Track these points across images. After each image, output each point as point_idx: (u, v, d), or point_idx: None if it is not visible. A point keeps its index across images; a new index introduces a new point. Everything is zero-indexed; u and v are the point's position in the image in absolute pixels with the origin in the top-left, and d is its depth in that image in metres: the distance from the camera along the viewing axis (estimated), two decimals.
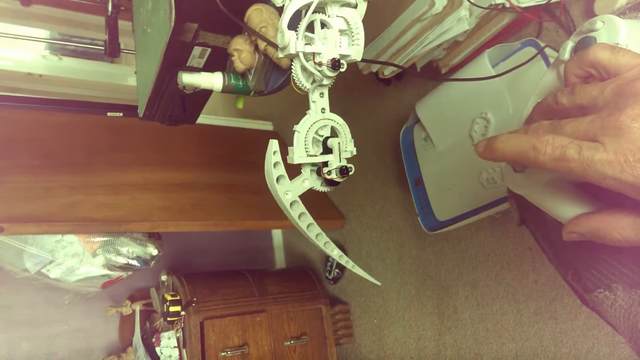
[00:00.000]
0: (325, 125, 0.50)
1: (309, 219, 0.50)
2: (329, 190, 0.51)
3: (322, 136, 0.50)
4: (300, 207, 0.49)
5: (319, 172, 0.50)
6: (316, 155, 0.49)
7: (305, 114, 0.50)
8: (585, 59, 0.32)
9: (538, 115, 0.35)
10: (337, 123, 0.51)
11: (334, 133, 0.51)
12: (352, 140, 0.51)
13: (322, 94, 0.51)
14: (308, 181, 0.50)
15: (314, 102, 0.50)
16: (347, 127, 0.51)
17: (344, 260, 0.55)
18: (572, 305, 1.06)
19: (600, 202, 0.32)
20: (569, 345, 1.07)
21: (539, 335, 1.13)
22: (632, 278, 0.32)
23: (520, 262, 1.17)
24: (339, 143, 0.49)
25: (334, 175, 0.49)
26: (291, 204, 0.49)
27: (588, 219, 0.31)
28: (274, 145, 0.47)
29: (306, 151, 0.48)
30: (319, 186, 0.50)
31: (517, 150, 0.31)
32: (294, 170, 0.50)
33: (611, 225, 0.30)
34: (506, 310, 1.21)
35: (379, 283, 0.61)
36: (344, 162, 0.49)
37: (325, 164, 0.49)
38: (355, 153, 0.51)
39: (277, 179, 0.47)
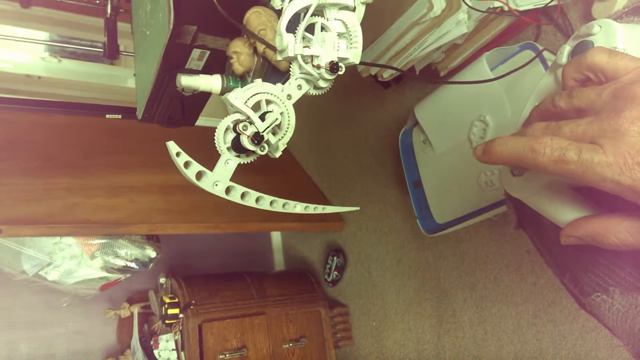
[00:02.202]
0: (278, 107, 0.48)
1: (253, 194, 0.48)
2: (247, 161, 0.48)
3: (266, 111, 0.48)
4: (239, 189, 0.47)
5: (235, 147, 0.46)
6: (249, 108, 0.46)
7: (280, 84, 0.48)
8: (584, 62, 0.32)
9: (536, 118, 0.35)
10: (289, 118, 0.48)
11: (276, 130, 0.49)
12: (285, 146, 0.48)
13: (300, 87, 0.49)
14: (231, 161, 0.47)
15: (289, 84, 0.49)
16: (292, 130, 0.49)
17: (312, 209, 0.52)
18: (571, 308, 1.06)
19: (598, 206, 0.32)
20: (568, 347, 1.07)
21: (538, 338, 1.13)
22: (630, 282, 0.32)
23: (519, 264, 1.17)
24: (276, 119, 0.47)
25: (245, 141, 0.45)
26: (227, 192, 0.47)
27: (586, 223, 0.31)
28: (173, 147, 0.44)
29: (245, 102, 0.46)
30: (243, 159, 0.48)
31: (515, 153, 0.30)
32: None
33: (609, 229, 0.30)
34: (505, 312, 1.21)
35: (357, 208, 0.59)
36: (265, 134, 0.46)
37: (247, 124, 0.46)
38: (276, 154, 0.48)
39: (197, 177, 0.45)
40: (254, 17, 0.61)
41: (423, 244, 1.46)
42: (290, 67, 0.50)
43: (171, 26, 0.59)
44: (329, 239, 1.91)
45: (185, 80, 0.67)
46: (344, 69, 0.48)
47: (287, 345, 1.64)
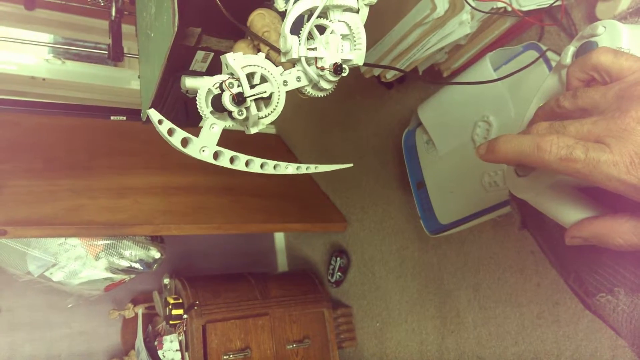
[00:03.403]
0: (271, 87, 0.47)
1: (243, 157, 0.48)
2: (231, 124, 0.47)
3: (258, 84, 0.47)
4: (227, 153, 0.46)
5: (214, 104, 0.46)
6: (242, 72, 0.45)
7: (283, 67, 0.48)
8: (588, 62, 0.32)
9: (540, 118, 0.35)
10: (278, 102, 0.48)
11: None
12: (264, 126, 0.47)
13: (299, 79, 0.49)
14: (216, 125, 0.46)
15: (289, 72, 0.49)
16: (277, 114, 0.48)
17: (304, 169, 0.51)
18: (575, 309, 1.06)
19: (602, 207, 0.32)
20: (572, 349, 1.06)
21: (542, 339, 1.13)
22: (635, 282, 0.32)
23: (522, 265, 1.17)
24: (265, 91, 0.46)
25: (227, 98, 0.44)
26: (215, 157, 0.46)
27: (591, 224, 0.31)
28: (154, 115, 0.43)
29: (242, 67, 0.45)
30: (229, 123, 0.47)
31: (520, 150, 0.30)
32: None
33: (614, 229, 0.30)
34: (509, 313, 1.21)
35: (350, 165, 0.57)
36: (249, 100, 0.45)
37: (234, 83, 0.46)
38: (251, 130, 0.47)
39: (183, 144, 0.45)
40: (258, 19, 0.61)
41: (426, 244, 1.45)
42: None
43: (176, 28, 0.59)
44: (332, 239, 1.91)
45: (189, 82, 0.67)
46: (347, 71, 0.48)
47: (291, 346, 1.64)
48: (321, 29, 0.48)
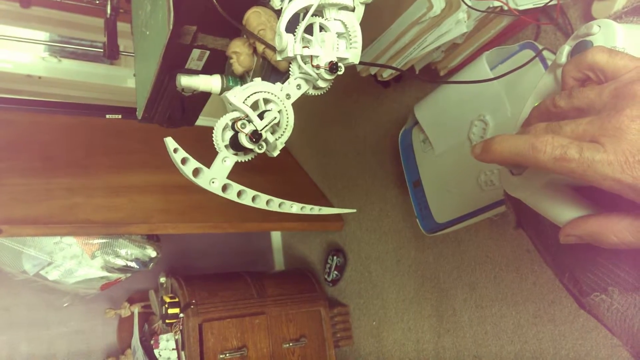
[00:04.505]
0: (276, 105, 0.48)
1: (250, 193, 0.49)
2: (244, 159, 0.48)
3: (265, 110, 0.48)
4: (235, 187, 0.47)
5: (233, 145, 0.46)
6: (247, 106, 0.46)
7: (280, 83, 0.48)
8: (584, 61, 0.32)
9: (536, 118, 0.35)
10: (288, 117, 0.48)
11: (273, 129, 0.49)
12: (283, 145, 0.48)
13: (299, 86, 0.49)
14: (229, 159, 0.47)
15: (288, 83, 0.49)
16: (290, 129, 0.49)
17: (308, 209, 0.53)
18: (571, 307, 1.06)
19: (597, 206, 0.32)
20: (568, 347, 1.07)
21: (538, 338, 1.13)
22: (629, 281, 0.32)
23: (519, 264, 1.17)
24: (274, 118, 0.47)
25: (243, 139, 0.45)
26: (223, 189, 0.47)
27: (585, 222, 0.31)
28: (171, 143, 0.44)
29: (244, 101, 0.46)
30: (240, 158, 0.48)
31: (515, 150, 0.30)
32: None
33: (608, 228, 0.30)
34: (505, 312, 1.21)
35: (354, 210, 0.61)
36: (264, 133, 0.46)
37: (246, 122, 0.46)
38: (274, 153, 0.48)
39: (194, 174, 0.45)
40: (254, 17, 0.61)
41: (423, 243, 1.46)
42: (289, 67, 0.50)
43: (171, 26, 0.59)
44: (328, 238, 1.91)
45: (185, 81, 0.67)
46: (343, 69, 0.48)
47: (287, 345, 1.64)
48: (318, 28, 0.48)
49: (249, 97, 0.46)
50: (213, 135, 0.46)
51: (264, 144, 0.47)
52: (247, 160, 0.48)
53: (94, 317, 1.76)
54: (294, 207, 0.52)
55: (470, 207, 1.03)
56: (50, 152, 1.55)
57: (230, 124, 0.46)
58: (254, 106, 0.47)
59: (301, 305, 1.72)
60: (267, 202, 0.50)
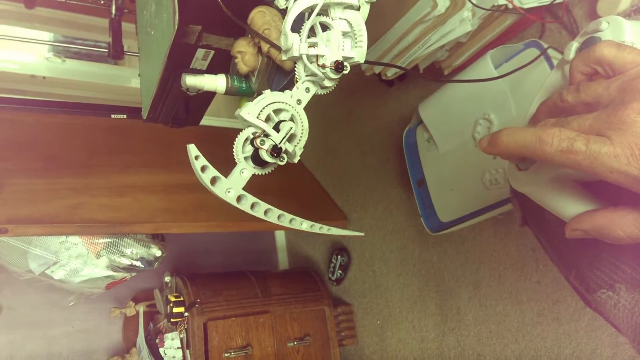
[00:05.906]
0: (289, 114, 0.48)
1: (263, 206, 0.49)
2: (262, 172, 0.49)
3: (279, 120, 0.48)
4: (249, 199, 0.48)
5: (255, 160, 0.47)
6: (262, 121, 0.46)
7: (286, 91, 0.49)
8: (592, 55, 0.32)
9: (543, 113, 0.35)
10: (302, 123, 0.49)
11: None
12: (302, 150, 0.49)
13: (307, 90, 0.50)
14: (246, 170, 0.47)
15: (297, 88, 0.49)
16: (307, 133, 0.49)
17: (317, 228, 0.54)
18: (576, 306, 1.06)
19: (603, 201, 0.32)
20: (572, 346, 1.07)
21: (542, 337, 1.13)
22: (636, 278, 0.32)
23: (523, 263, 1.17)
24: (290, 128, 0.47)
25: (265, 155, 0.46)
26: (238, 200, 0.47)
27: (591, 216, 0.31)
28: (193, 150, 0.44)
29: (257, 115, 0.46)
30: (258, 171, 0.48)
31: (522, 143, 0.30)
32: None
33: (615, 222, 0.29)
34: (509, 311, 1.21)
35: (362, 234, 0.61)
36: (282, 145, 0.46)
37: (264, 138, 0.47)
38: (294, 160, 0.48)
39: (212, 182, 0.46)
40: (259, 17, 0.61)
41: (427, 242, 1.46)
42: (295, 66, 0.50)
43: (176, 26, 0.59)
44: (332, 237, 1.91)
45: (190, 80, 0.67)
46: (349, 68, 0.48)
47: (292, 344, 1.65)
48: (322, 27, 0.48)
49: (262, 110, 0.47)
50: (234, 147, 0.47)
51: (285, 155, 0.47)
52: (265, 173, 0.49)
53: (99, 316, 1.77)
54: (304, 225, 0.53)
55: (475, 206, 1.03)
56: (54, 152, 1.55)
57: (250, 137, 0.47)
58: (268, 119, 0.48)
59: (305, 304, 1.72)
60: (279, 217, 0.50)
